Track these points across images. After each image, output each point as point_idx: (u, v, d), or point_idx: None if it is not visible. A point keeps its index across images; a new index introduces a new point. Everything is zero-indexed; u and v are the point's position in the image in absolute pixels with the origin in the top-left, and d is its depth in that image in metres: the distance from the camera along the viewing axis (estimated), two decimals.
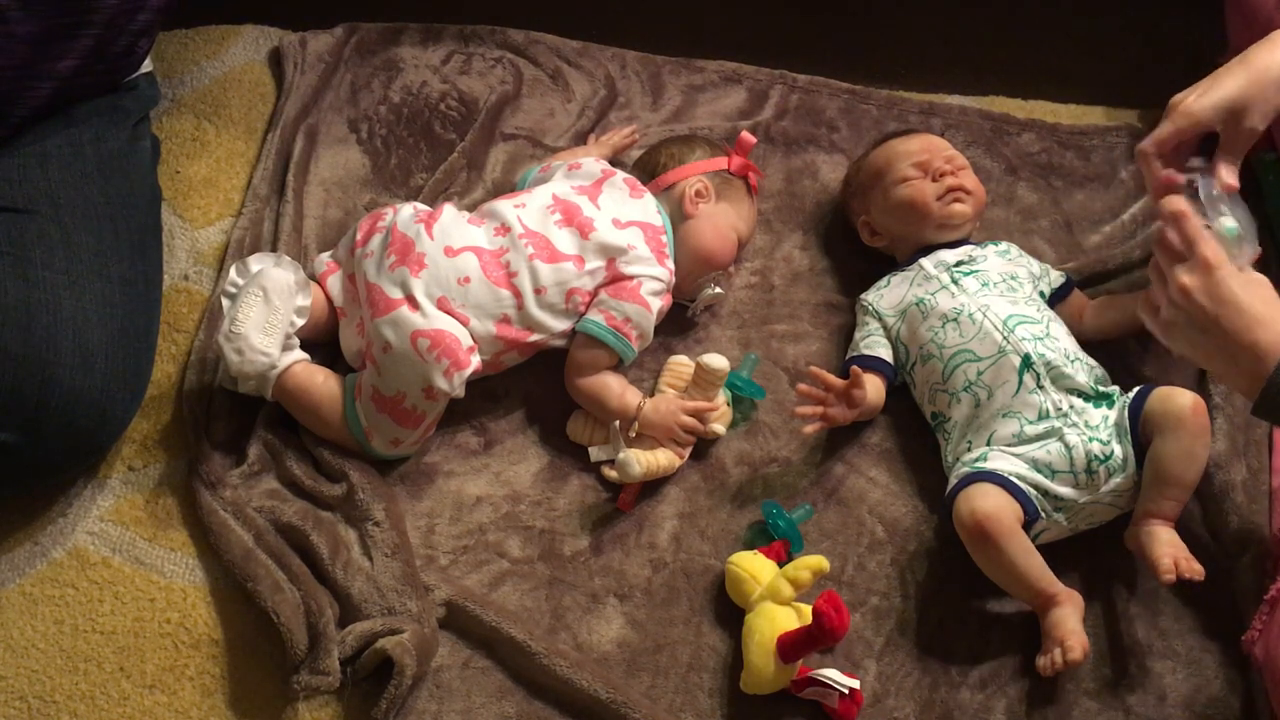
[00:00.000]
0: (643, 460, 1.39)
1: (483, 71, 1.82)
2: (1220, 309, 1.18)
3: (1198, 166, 1.34)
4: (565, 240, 1.46)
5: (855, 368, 1.42)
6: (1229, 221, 1.26)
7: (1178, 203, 1.24)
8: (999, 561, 1.31)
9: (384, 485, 1.43)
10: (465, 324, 1.41)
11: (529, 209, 1.48)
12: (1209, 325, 1.19)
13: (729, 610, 1.37)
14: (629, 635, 1.36)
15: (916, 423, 1.49)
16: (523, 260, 1.43)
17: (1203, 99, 1.32)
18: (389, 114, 1.76)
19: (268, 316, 1.39)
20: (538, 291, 1.43)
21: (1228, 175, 1.32)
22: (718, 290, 1.55)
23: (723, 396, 1.47)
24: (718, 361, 1.44)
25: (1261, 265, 1.58)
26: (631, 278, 1.46)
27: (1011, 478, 1.34)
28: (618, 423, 1.43)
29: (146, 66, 1.64)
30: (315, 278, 1.50)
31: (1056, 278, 1.51)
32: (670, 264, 1.50)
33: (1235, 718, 1.31)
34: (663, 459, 1.42)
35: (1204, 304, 1.19)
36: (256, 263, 1.43)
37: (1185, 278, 1.20)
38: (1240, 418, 1.46)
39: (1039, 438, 1.36)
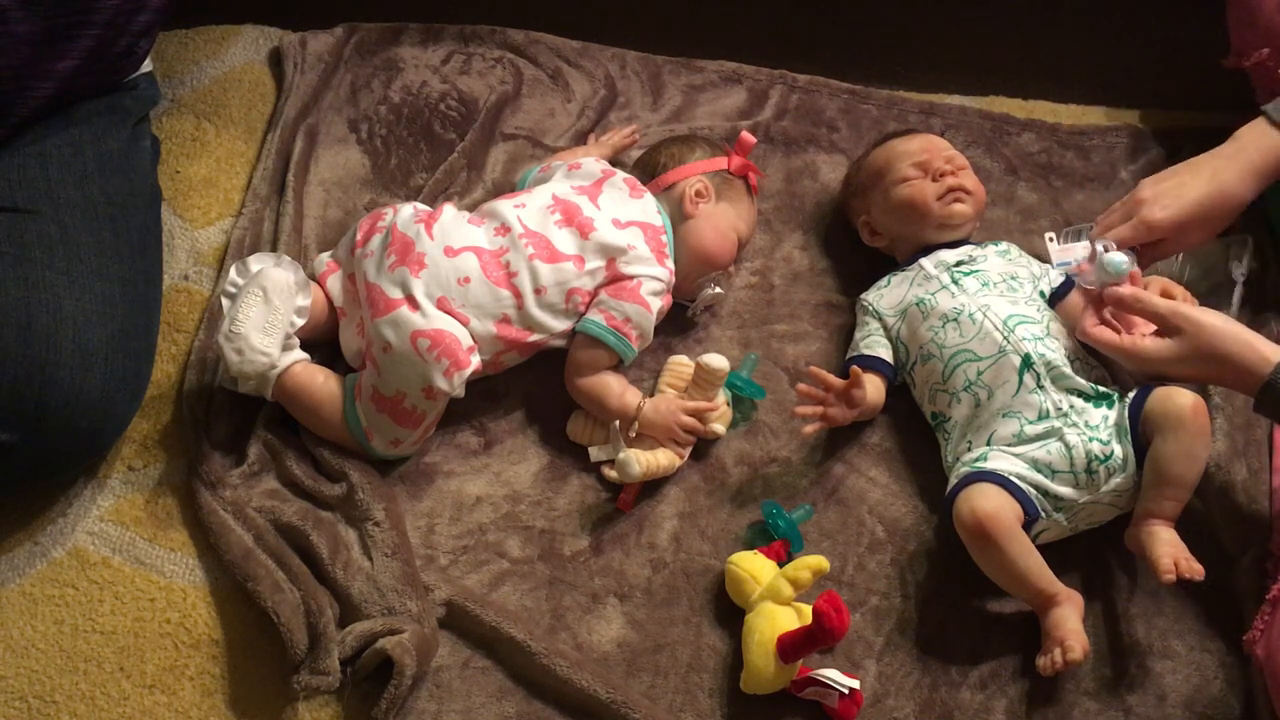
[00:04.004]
0: (643, 460, 1.39)
1: (483, 71, 1.82)
2: (1210, 362, 1.30)
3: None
4: (565, 240, 1.46)
5: (855, 368, 1.42)
6: (1118, 257, 1.37)
7: (1086, 328, 1.38)
8: (999, 561, 1.31)
9: (384, 485, 1.43)
10: (465, 324, 1.41)
11: (529, 209, 1.48)
12: (1188, 376, 1.34)
13: (729, 610, 1.37)
14: (629, 635, 1.36)
15: (916, 423, 1.49)
16: (523, 260, 1.43)
17: (1166, 212, 1.42)
18: (389, 114, 1.76)
19: (268, 316, 1.39)
20: (538, 291, 1.43)
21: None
22: (718, 290, 1.55)
23: (723, 396, 1.47)
24: (718, 361, 1.44)
25: (1261, 265, 1.59)
26: (631, 278, 1.46)
27: (1012, 478, 1.34)
28: (618, 423, 1.43)
29: (146, 66, 1.64)
30: (315, 278, 1.50)
31: (1056, 277, 1.51)
32: (670, 264, 1.50)
33: (1235, 718, 1.31)
34: (663, 459, 1.42)
35: (1200, 369, 1.32)
36: (256, 263, 1.43)
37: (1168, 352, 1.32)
38: (1240, 418, 1.46)
39: (1039, 438, 1.36)
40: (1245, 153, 1.42)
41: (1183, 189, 1.42)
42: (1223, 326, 1.30)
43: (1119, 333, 1.38)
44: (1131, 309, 1.36)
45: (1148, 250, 1.45)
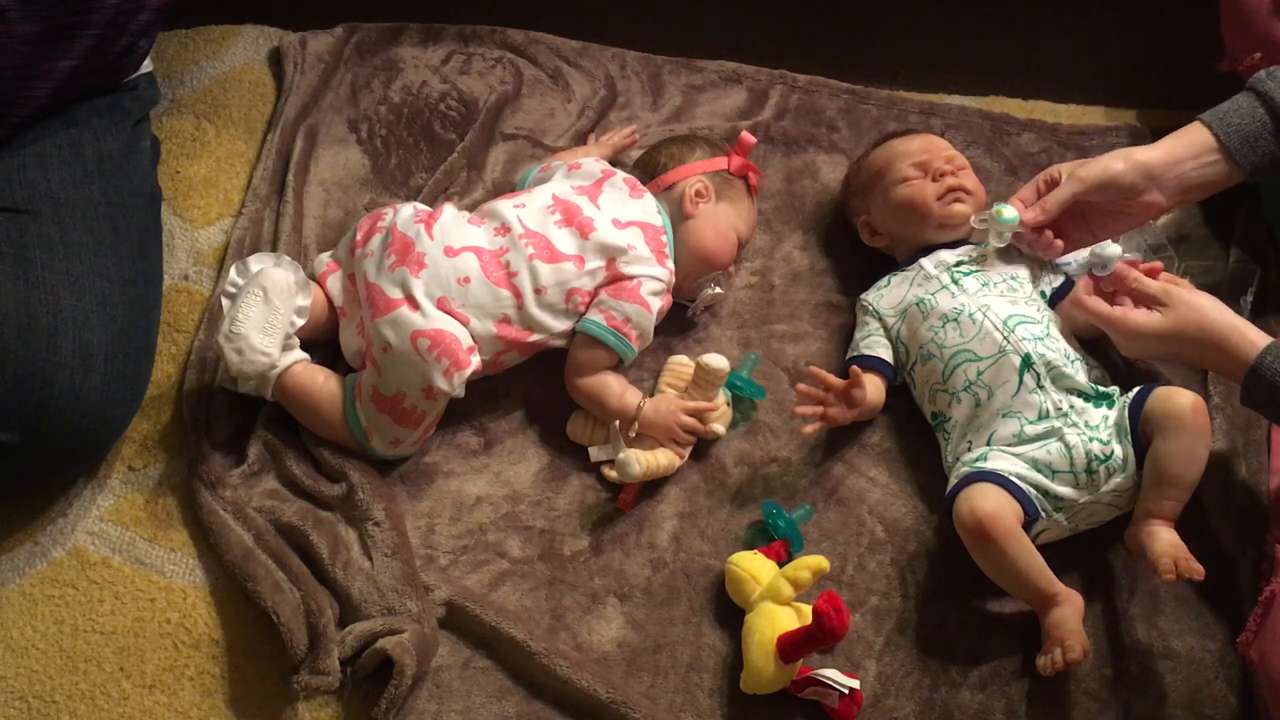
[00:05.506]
0: (643, 460, 1.39)
1: (483, 71, 1.82)
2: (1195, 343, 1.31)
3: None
4: (565, 240, 1.46)
5: (855, 368, 1.42)
6: (1110, 246, 1.40)
7: (1079, 295, 1.41)
8: (999, 561, 1.31)
9: (384, 485, 1.43)
10: (465, 324, 1.41)
11: (529, 209, 1.48)
12: (1177, 355, 1.35)
13: (729, 610, 1.37)
14: (629, 635, 1.36)
15: (916, 423, 1.49)
16: (523, 260, 1.43)
17: (1090, 170, 1.42)
18: (389, 114, 1.76)
19: (268, 316, 1.39)
20: (538, 291, 1.43)
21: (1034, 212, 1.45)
22: (718, 290, 1.55)
23: (723, 396, 1.47)
24: (718, 361, 1.44)
25: (1262, 266, 1.59)
26: (631, 278, 1.46)
27: (1012, 478, 1.34)
28: (618, 423, 1.43)
29: (146, 66, 1.64)
30: (315, 278, 1.50)
31: (1056, 277, 1.51)
32: (670, 264, 1.50)
33: (1235, 718, 1.31)
34: (663, 459, 1.42)
35: (1188, 349, 1.33)
36: (256, 263, 1.43)
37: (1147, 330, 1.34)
38: (1240, 418, 1.46)
39: (1039, 437, 1.36)
40: (1166, 142, 1.42)
41: (1103, 158, 1.43)
42: (1212, 307, 1.31)
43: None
44: (1123, 289, 1.36)
45: (1071, 229, 1.46)
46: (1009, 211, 1.43)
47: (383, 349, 1.40)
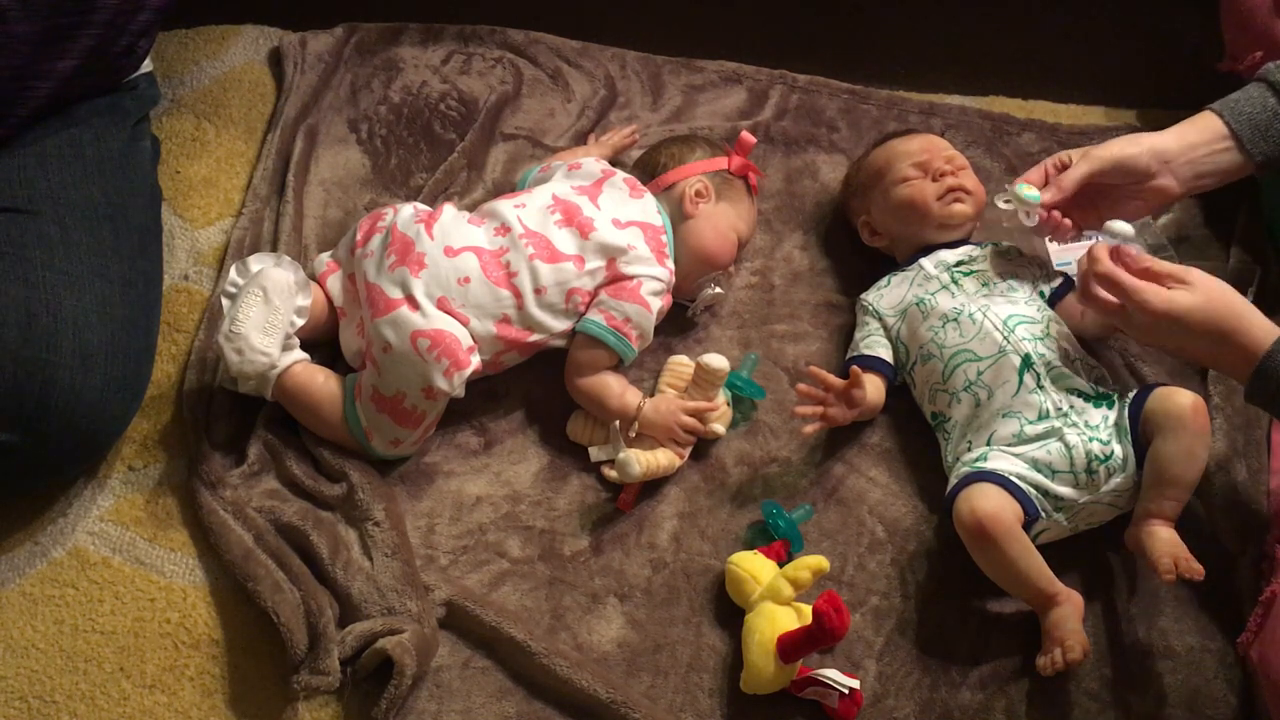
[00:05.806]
0: (643, 460, 1.39)
1: (483, 71, 1.82)
2: (1203, 333, 1.24)
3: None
4: (565, 240, 1.46)
5: (855, 367, 1.42)
6: (1123, 223, 1.35)
7: (1105, 264, 1.30)
8: (999, 561, 1.31)
9: (384, 485, 1.43)
10: (465, 324, 1.41)
11: (529, 209, 1.48)
12: (1192, 341, 1.26)
13: (729, 610, 1.37)
14: (629, 635, 1.36)
15: (916, 423, 1.49)
16: (523, 260, 1.43)
17: (1106, 150, 1.41)
18: (389, 114, 1.76)
19: (268, 316, 1.39)
20: (538, 291, 1.43)
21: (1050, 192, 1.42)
22: (718, 290, 1.55)
23: (723, 396, 1.47)
24: (718, 361, 1.44)
25: (1262, 266, 1.59)
26: (631, 278, 1.46)
27: (1012, 478, 1.34)
28: (618, 423, 1.43)
29: (146, 66, 1.64)
30: (315, 278, 1.50)
31: (1056, 277, 1.51)
32: (670, 264, 1.50)
33: (1235, 718, 1.31)
34: (663, 459, 1.42)
35: (1201, 340, 1.25)
36: (256, 263, 1.43)
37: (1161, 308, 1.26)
38: (1240, 418, 1.46)
39: (1039, 438, 1.36)
40: (1178, 129, 1.41)
41: (1117, 140, 1.42)
42: (1232, 291, 1.27)
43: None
44: (1136, 271, 1.31)
45: (1079, 217, 1.44)
46: (1029, 191, 1.42)
47: (383, 349, 1.40)
